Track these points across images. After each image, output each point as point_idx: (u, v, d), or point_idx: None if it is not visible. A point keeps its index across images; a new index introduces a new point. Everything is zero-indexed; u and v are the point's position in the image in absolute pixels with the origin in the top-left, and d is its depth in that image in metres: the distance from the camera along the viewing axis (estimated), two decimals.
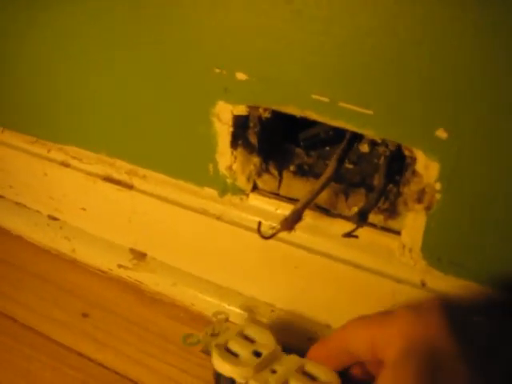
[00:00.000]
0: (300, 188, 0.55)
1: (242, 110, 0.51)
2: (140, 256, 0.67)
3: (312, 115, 0.48)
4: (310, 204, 0.49)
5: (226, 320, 0.54)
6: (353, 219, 0.48)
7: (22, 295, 0.68)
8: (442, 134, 0.43)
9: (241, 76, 0.48)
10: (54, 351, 0.62)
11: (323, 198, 0.53)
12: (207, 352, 0.50)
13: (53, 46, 0.59)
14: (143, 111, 0.57)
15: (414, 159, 0.47)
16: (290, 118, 0.50)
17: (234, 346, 0.49)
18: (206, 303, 0.64)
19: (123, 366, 0.60)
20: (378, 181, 0.51)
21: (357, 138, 0.56)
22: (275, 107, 0.49)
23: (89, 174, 0.65)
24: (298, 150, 0.58)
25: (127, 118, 0.59)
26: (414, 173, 0.47)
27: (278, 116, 0.52)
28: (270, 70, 0.47)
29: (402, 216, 0.51)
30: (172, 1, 0.48)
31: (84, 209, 0.68)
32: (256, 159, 0.55)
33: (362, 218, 0.47)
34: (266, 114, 0.52)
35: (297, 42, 0.44)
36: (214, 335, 0.51)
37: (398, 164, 0.52)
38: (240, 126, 0.53)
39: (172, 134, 0.56)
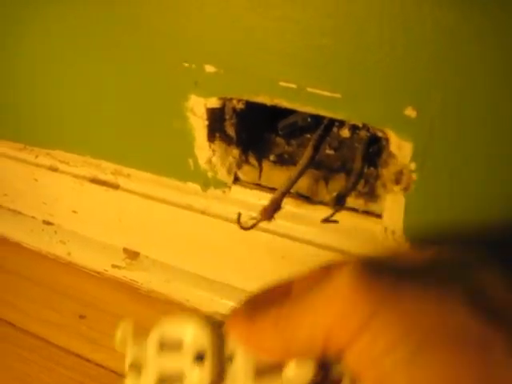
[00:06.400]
0: (281, 177, 0.54)
1: (214, 102, 0.50)
2: (133, 255, 0.68)
3: (282, 103, 0.47)
4: (288, 192, 0.49)
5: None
6: (330, 204, 0.47)
7: (20, 301, 0.69)
8: (410, 112, 0.42)
9: (209, 68, 0.48)
10: (52, 353, 0.62)
11: (304, 185, 0.53)
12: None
13: (33, 56, 0.59)
14: (122, 111, 0.57)
15: (387, 140, 0.46)
16: (269, 108, 0.50)
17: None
18: (200, 298, 0.64)
19: (120, 365, 0.60)
20: (355, 165, 0.51)
21: (335, 123, 0.56)
22: (246, 97, 0.49)
23: (76, 176, 0.65)
24: (278, 140, 0.58)
25: (108, 119, 0.59)
26: (390, 154, 0.46)
27: (255, 106, 0.51)
28: (236, 60, 0.47)
29: (382, 199, 0.50)
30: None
31: (75, 211, 0.69)
32: (235, 151, 0.55)
33: (339, 202, 0.47)
34: (240, 105, 0.52)
35: (259, 29, 0.44)
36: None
37: (378, 146, 0.52)
38: (216, 118, 0.53)
39: (151, 132, 0.56)
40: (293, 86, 0.46)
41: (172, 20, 0.47)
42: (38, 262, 0.74)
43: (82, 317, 0.66)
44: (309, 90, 0.45)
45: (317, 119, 0.54)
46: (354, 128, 0.57)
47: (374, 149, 0.52)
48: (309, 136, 0.58)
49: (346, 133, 0.57)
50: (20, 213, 0.76)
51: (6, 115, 0.68)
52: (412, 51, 0.40)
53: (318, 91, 0.45)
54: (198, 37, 0.47)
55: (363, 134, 0.56)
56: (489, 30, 0.36)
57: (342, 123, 0.57)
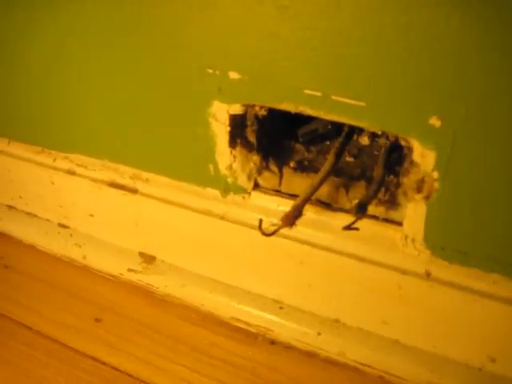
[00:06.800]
0: (301, 184, 0.55)
1: (237, 108, 0.51)
2: (149, 259, 0.68)
3: (306, 110, 0.48)
4: (310, 199, 0.49)
5: None
6: (352, 211, 0.48)
7: (36, 303, 0.69)
8: (435, 122, 0.43)
9: (233, 75, 0.49)
10: (69, 357, 0.63)
11: (324, 192, 0.53)
12: None
13: (54, 59, 0.59)
14: (143, 116, 0.57)
15: (410, 149, 0.46)
16: (290, 115, 0.50)
17: None
18: (216, 303, 0.64)
19: (136, 369, 0.61)
20: (376, 172, 0.51)
21: (356, 131, 0.56)
22: (270, 104, 0.49)
23: (94, 180, 0.65)
24: (298, 146, 0.58)
25: (128, 124, 0.59)
26: (412, 163, 0.47)
27: (275, 113, 0.52)
28: (261, 67, 0.47)
29: (402, 207, 0.51)
30: (160, 4, 0.48)
31: (92, 215, 0.69)
32: (255, 157, 0.55)
33: (361, 210, 0.47)
34: (263, 112, 0.52)
35: (285, 37, 0.44)
36: None
37: (398, 155, 0.52)
38: (237, 125, 0.53)
39: (172, 137, 0.57)
40: (317, 93, 0.46)
41: (197, 26, 0.48)
42: (52, 264, 0.74)
43: (97, 320, 0.66)
44: (333, 98, 0.46)
45: (337, 126, 0.55)
46: (373, 136, 0.58)
47: (394, 157, 0.53)
48: (328, 143, 0.58)
49: (365, 140, 0.58)
50: (35, 215, 0.76)
51: (24, 118, 0.68)
52: (438, 62, 0.40)
53: (342, 99, 0.45)
54: (222, 44, 0.48)
55: (382, 141, 0.56)
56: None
57: (361, 131, 0.57)
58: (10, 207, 0.78)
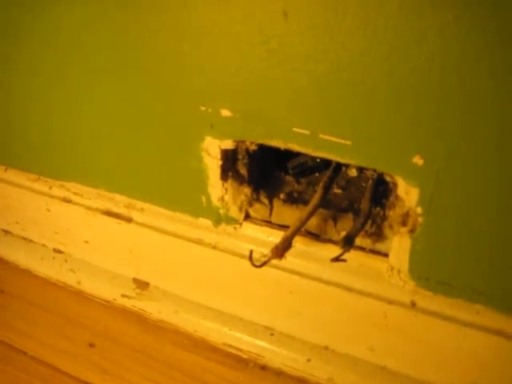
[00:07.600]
0: (291, 215, 0.56)
1: (229, 144, 0.53)
2: (143, 285, 0.70)
3: (295, 147, 0.49)
4: (299, 231, 0.51)
5: None
6: (339, 244, 0.49)
7: (31, 328, 0.70)
8: (418, 160, 0.44)
9: (225, 113, 0.50)
10: (63, 382, 0.64)
11: (313, 223, 0.55)
12: None
13: (52, 89, 0.61)
14: (138, 148, 0.59)
15: (395, 184, 0.48)
16: (280, 149, 0.52)
17: None
18: (208, 329, 0.65)
19: None
20: (363, 205, 0.53)
21: (344, 163, 0.58)
22: (260, 141, 0.51)
23: (89, 208, 0.67)
24: (288, 178, 0.60)
25: (124, 155, 0.61)
26: (397, 197, 0.49)
27: (266, 147, 0.53)
28: (251, 106, 0.49)
29: (388, 239, 0.52)
30: (155, 44, 0.50)
31: (87, 242, 0.71)
32: (247, 189, 0.57)
33: (348, 243, 0.49)
34: (253, 147, 0.54)
35: (275, 78, 0.46)
36: None
37: (384, 188, 0.54)
38: (229, 159, 0.55)
39: (166, 169, 0.58)
40: (306, 132, 0.48)
41: (191, 67, 0.50)
42: (47, 289, 0.75)
43: (91, 345, 0.67)
44: (321, 136, 0.47)
45: (326, 160, 0.56)
46: (361, 168, 0.59)
47: (381, 190, 0.55)
48: (317, 175, 0.60)
49: (353, 172, 0.59)
50: (31, 241, 0.78)
51: (21, 146, 0.70)
52: (420, 105, 0.42)
53: (329, 138, 0.47)
54: (215, 83, 0.50)
55: (370, 173, 0.58)
56: (491, 89, 0.39)
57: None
58: (6, 232, 0.80)
